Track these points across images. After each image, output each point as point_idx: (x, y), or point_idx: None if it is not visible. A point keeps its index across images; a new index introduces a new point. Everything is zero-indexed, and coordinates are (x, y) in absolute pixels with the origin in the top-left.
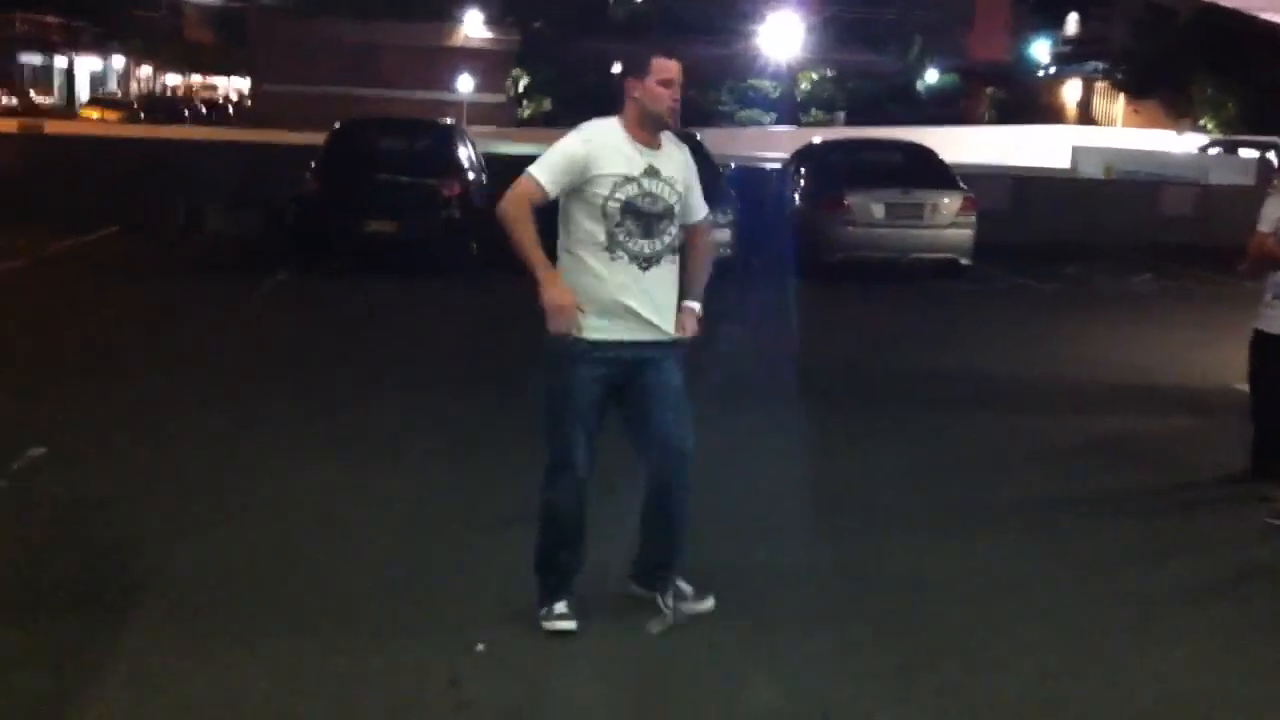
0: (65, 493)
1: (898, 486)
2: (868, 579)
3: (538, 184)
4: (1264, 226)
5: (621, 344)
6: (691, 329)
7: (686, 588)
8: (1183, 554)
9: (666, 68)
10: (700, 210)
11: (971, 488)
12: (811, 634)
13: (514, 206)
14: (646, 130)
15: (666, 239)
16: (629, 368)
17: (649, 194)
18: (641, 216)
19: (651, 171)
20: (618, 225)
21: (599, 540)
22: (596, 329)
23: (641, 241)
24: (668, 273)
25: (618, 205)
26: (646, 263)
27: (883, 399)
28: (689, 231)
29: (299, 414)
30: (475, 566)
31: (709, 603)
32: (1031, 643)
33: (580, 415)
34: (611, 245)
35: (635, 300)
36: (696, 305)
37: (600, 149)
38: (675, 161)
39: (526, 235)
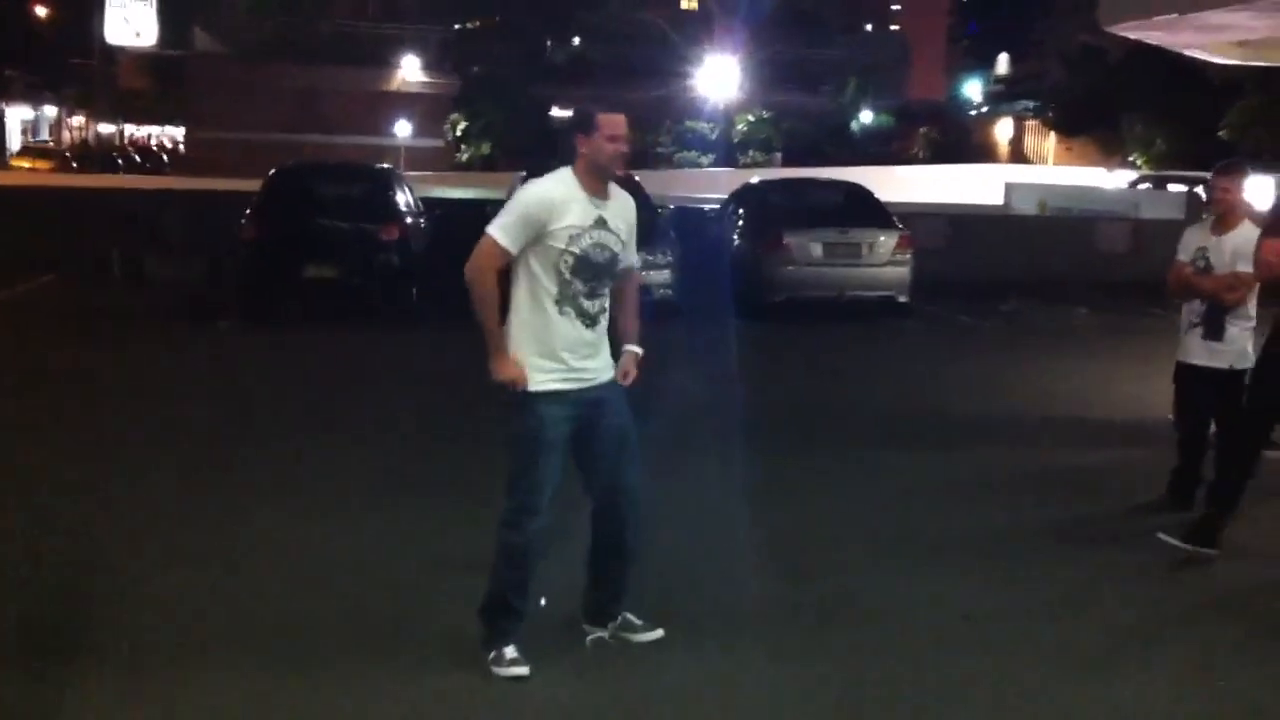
0: (21, 536)
1: (852, 522)
2: (826, 613)
3: (499, 243)
4: (1183, 255)
5: (577, 390)
6: (634, 373)
7: (636, 619)
8: (1137, 584)
9: (612, 123)
10: (633, 258)
11: (926, 522)
12: (772, 669)
13: (480, 272)
14: (597, 181)
15: (605, 299)
16: (588, 408)
17: (599, 244)
18: (591, 268)
19: (600, 222)
20: (569, 280)
21: (546, 581)
22: (552, 380)
23: (585, 302)
24: (604, 328)
25: (572, 257)
26: (590, 322)
27: (832, 437)
28: (621, 275)
29: (245, 463)
30: (426, 610)
31: (657, 633)
32: (992, 674)
33: (548, 459)
34: (561, 300)
35: (580, 354)
36: (638, 349)
37: (558, 203)
38: (621, 211)
39: (489, 304)
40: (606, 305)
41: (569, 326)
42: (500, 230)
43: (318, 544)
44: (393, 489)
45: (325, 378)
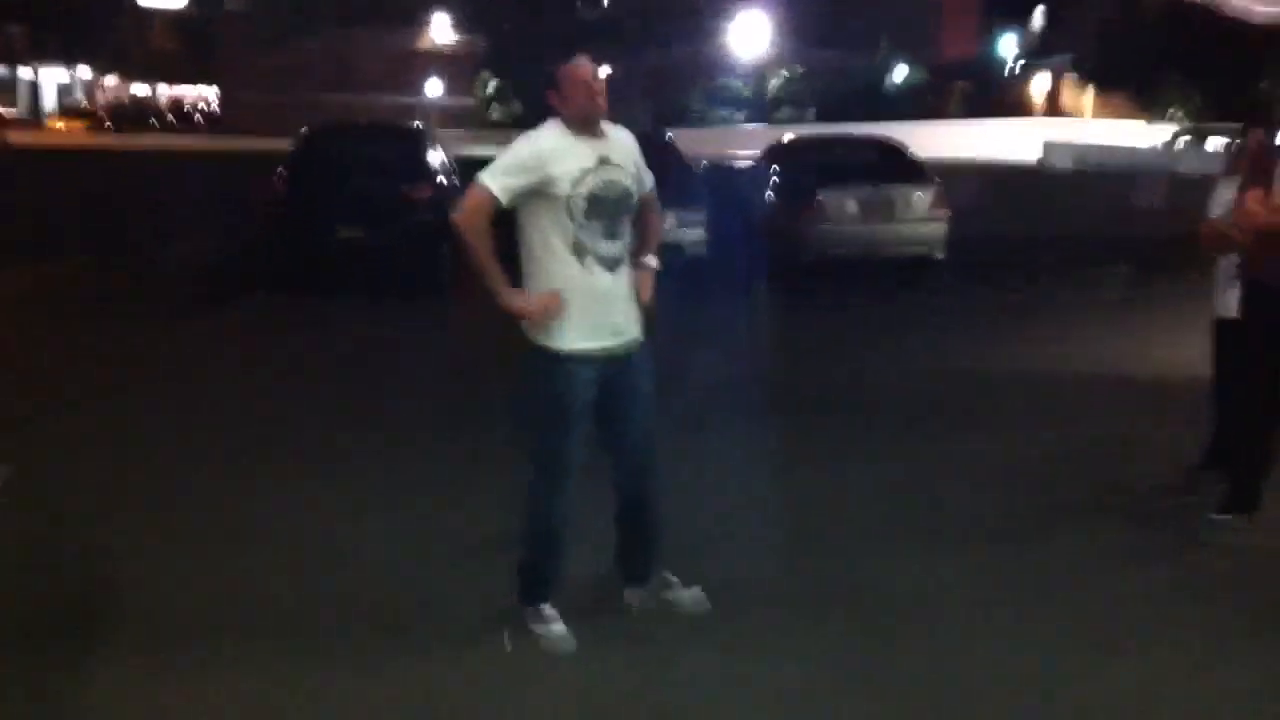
0: (36, 520)
1: (873, 501)
2: (842, 594)
3: (490, 191)
4: (1215, 210)
5: (605, 349)
6: (649, 290)
7: (673, 577)
8: (1160, 560)
9: (573, 72)
10: (650, 180)
11: (948, 501)
12: (789, 649)
13: (470, 219)
14: (584, 127)
15: (625, 238)
16: (614, 366)
17: (608, 181)
18: (604, 206)
19: (604, 161)
20: (583, 225)
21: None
22: (579, 339)
23: (604, 243)
24: (628, 276)
25: (582, 198)
26: (612, 266)
27: (858, 410)
28: (639, 207)
29: (273, 442)
30: (451, 592)
31: (696, 590)
32: (1009, 655)
33: (574, 422)
34: (579, 250)
35: (608, 305)
36: (654, 260)
37: (552, 150)
38: (622, 146)
39: (484, 248)
40: (627, 249)
41: (592, 277)
42: (489, 175)
43: (345, 522)
44: (419, 469)
45: (357, 353)
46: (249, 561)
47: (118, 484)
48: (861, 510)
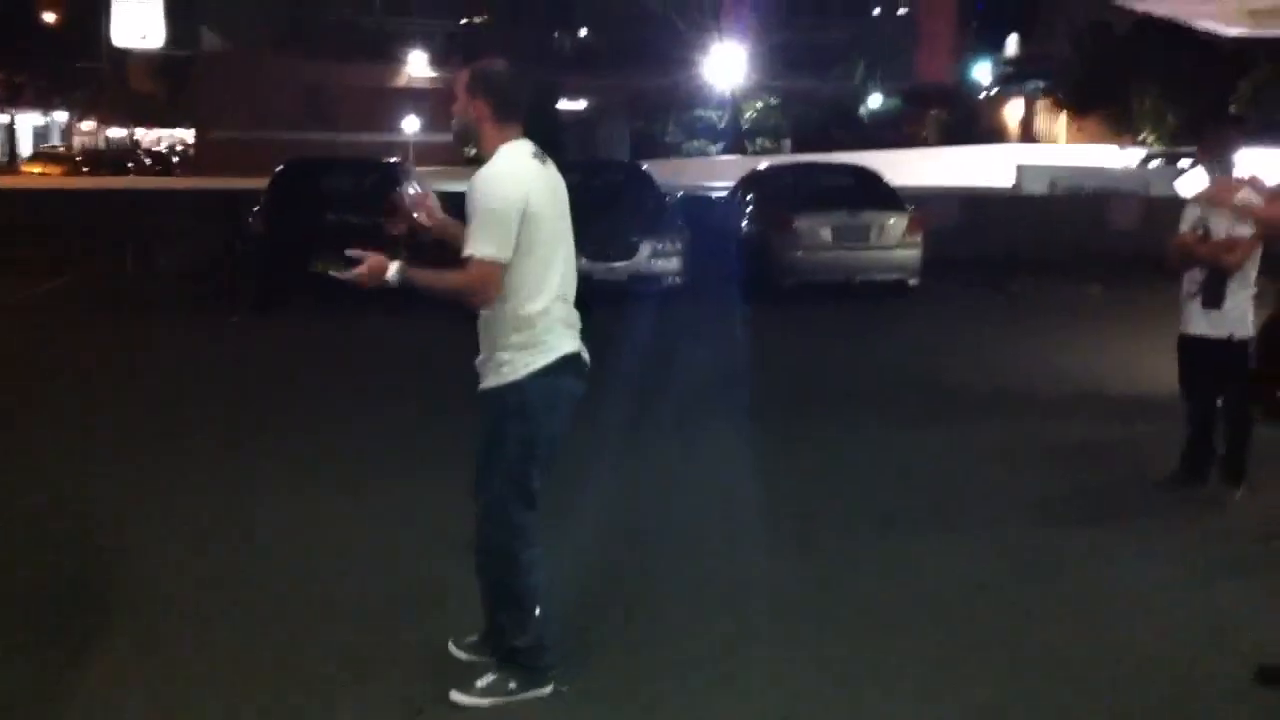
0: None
1: (862, 494)
2: (831, 586)
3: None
4: (1184, 226)
5: None
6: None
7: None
8: (1139, 556)
9: None
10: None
11: (928, 495)
12: (777, 642)
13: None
14: None
15: None
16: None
17: None
18: None
19: None
20: None
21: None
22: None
23: None
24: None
25: None
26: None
27: (840, 413)
28: None
29: (263, 447)
30: (439, 594)
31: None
32: (999, 645)
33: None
34: None
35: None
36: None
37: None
38: None
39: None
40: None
41: None
42: (488, 247)
43: (335, 522)
44: (410, 471)
45: (337, 365)
46: (248, 554)
47: (118, 481)
48: (855, 501)
